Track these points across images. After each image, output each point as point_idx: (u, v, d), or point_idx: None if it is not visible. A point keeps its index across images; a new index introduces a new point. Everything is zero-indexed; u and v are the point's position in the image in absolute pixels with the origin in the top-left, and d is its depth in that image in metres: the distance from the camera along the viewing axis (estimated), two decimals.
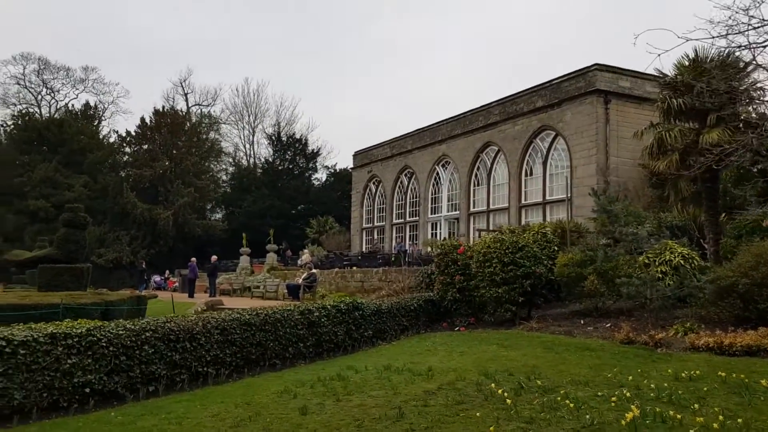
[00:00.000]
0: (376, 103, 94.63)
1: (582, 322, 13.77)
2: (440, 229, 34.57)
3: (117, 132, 58.42)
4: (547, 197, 26.94)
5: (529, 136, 27.88)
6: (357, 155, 44.11)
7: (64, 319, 14.19)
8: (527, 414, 7.07)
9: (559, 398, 7.62)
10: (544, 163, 27.16)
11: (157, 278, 41.46)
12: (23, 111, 60.43)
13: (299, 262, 35.95)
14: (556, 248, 15.65)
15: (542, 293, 15.62)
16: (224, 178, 62.83)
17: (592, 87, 24.56)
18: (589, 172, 24.28)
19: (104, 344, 9.11)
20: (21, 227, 48.59)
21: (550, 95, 26.68)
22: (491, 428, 6.51)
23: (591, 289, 14.12)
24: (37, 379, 8.38)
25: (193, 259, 31.28)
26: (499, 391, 8.00)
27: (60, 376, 8.59)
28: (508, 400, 7.52)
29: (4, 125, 60.38)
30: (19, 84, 62.48)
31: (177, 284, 37.31)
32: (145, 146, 54.25)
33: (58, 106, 63.70)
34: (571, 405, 7.21)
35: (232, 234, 48.98)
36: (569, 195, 23.47)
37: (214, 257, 31.13)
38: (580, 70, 25.40)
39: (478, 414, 7.21)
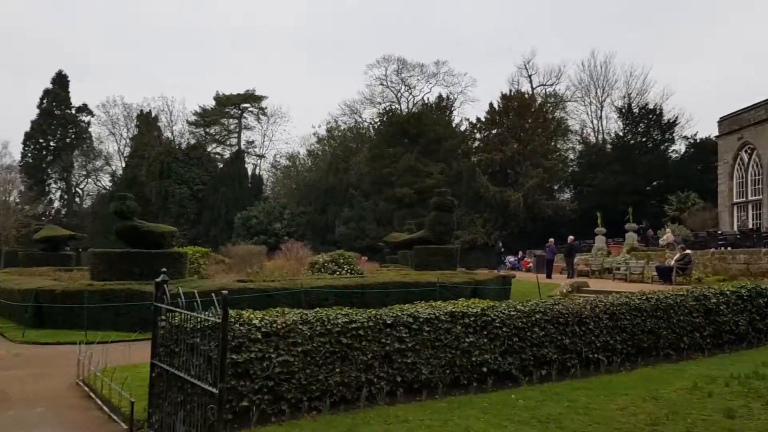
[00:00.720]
0: (743, 61, 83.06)
1: None
2: None
3: (468, 119, 61.22)
4: None
5: None
6: (723, 121, 38.89)
7: (440, 297, 15.03)
8: None
9: None
10: None
11: (511, 258, 42.37)
12: (387, 108, 67.83)
13: (660, 242, 33.22)
14: None
15: None
16: (571, 156, 61.60)
17: None
18: None
19: (498, 324, 9.14)
20: (389, 212, 54.43)
21: None
22: None
23: None
24: (440, 356, 8.71)
25: (551, 239, 31.06)
26: None
27: (459, 354, 8.82)
28: None
29: (373, 122, 68.55)
30: (382, 84, 70.17)
31: (531, 264, 37.62)
32: (494, 131, 56.00)
33: (414, 101, 69.67)
34: None
35: (581, 214, 47.72)
36: None
37: (570, 237, 30.46)
38: None
39: None
